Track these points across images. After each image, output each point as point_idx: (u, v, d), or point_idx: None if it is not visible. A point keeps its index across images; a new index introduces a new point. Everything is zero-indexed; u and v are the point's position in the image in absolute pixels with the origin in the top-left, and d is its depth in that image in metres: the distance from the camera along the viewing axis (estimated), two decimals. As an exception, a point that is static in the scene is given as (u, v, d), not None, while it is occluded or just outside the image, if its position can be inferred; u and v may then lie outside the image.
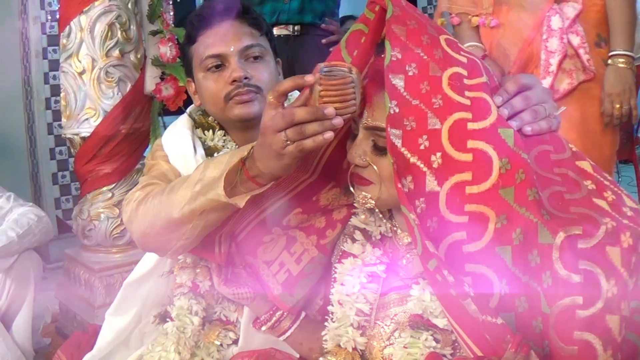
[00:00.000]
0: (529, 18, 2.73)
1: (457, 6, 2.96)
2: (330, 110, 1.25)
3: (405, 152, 1.25)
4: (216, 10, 1.87)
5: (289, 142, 1.29)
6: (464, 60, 1.31)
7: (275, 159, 1.34)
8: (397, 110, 1.25)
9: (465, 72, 1.28)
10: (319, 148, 1.53)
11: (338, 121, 1.27)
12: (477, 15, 2.91)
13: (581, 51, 2.66)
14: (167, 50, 3.35)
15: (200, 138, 1.93)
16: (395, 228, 1.55)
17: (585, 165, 1.33)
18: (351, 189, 1.47)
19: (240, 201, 1.43)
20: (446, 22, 2.98)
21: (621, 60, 2.66)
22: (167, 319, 1.84)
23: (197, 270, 1.81)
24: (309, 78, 1.29)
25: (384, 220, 1.56)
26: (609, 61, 2.67)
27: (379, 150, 1.38)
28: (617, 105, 2.65)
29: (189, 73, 1.97)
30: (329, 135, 1.27)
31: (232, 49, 1.82)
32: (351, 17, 4.70)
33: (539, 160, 1.30)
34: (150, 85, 3.35)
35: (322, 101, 1.27)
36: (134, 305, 1.98)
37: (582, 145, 2.58)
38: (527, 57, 2.77)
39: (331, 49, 3.44)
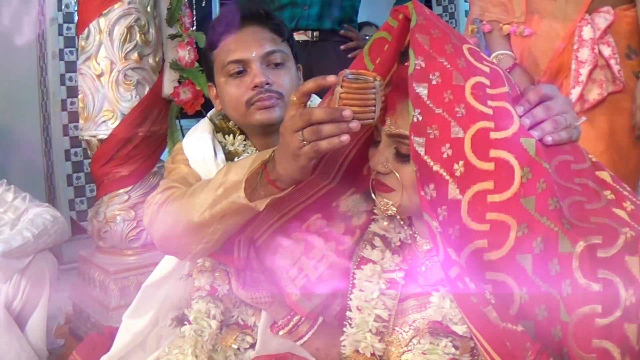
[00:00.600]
0: (561, 28, 2.71)
1: (489, 14, 2.95)
2: (347, 112, 1.24)
3: (428, 160, 1.25)
4: (238, 15, 1.88)
5: (305, 143, 1.28)
6: (487, 69, 1.32)
7: (292, 160, 1.34)
8: (420, 119, 1.26)
9: (487, 82, 1.29)
10: (337, 151, 1.54)
11: (355, 125, 1.25)
12: (508, 24, 2.89)
13: (612, 62, 2.63)
14: (185, 54, 3.37)
15: (220, 142, 1.94)
16: (415, 235, 1.56)
17: (605, 175, 1.34)
18: (373, 195, 1.48)
19: (260, 205, 1.44)
20: (477, 29, 2.97)
21: None
22: (185, 322, 1.84)
23: (215, 274, 1.81)
24: (331, 78, 1.29)
25: (405, 227, 1.57)
26: None
27: (402, 157, 1.39)
28: None
29: (210, 77, 1.99)
30: (345, 138, 1.26)
31: (254, 55, 1.83)
32: (368, 24, 4.71)
33: (560, 170, 1.31)
34: (168, 88, 3.37)
35: (342, 103, 1.26)
36: (151, 307, 1.98)
37: (609, 156, 2.57)
38: (558, 66, 2.74)
39: (350, 55, 3.47)
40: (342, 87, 1.27)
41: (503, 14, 2.89)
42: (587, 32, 2.64)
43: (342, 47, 3.60)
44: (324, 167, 1.57)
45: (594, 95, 2.65)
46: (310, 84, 1.32)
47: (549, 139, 1.32)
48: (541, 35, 2.79)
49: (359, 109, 1.27)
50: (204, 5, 3.94)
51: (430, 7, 7.04)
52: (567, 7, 2.71)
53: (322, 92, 1.40)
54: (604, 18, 2.66)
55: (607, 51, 2.64)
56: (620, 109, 2.66)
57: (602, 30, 2.64)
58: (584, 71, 2.64)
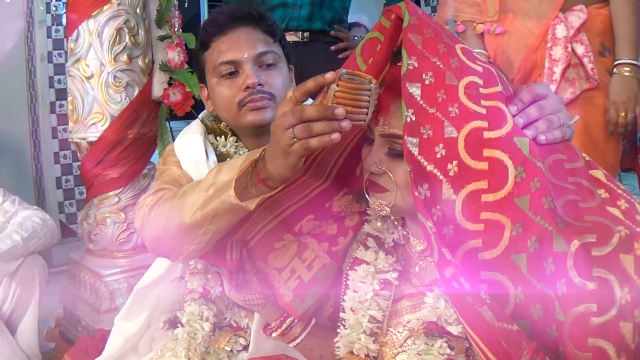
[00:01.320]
0: (534, 26, 2.76)
1: (463, 14, 2.98)
2: (340, 110, 1.23)
3: (422, 160, 1.25)
4: (230, 16, 1.87)
5: (295, 140, 1.27)
6: (480, 69, 1.31)
7: (282, 158, 1.32)
8: (414, 119, 1.26)
9: (481, 81, 1.29)
10: (330, 151, 1.53)
11: (346, 124, 1.24)
12: (482, 23, 2.92)
13: (585, 60, 2.68)
14: (175, 56, 3.36)
15: (212, 144, 1.94)
16: (408, 235, 1.56)
17: (599, 174, 1.34)
18: (366, 196, 1.47)
19: (251, 204, 1.43)
20: (451, 29, 2.99)
21: (627, 69, 2.67)
22: (178, 325, 1.84)
23: (208, 276, 1.81)
24: (329, 75, 1.27)
25: (398, 228, 1.56)
26: (615, 70, 2.69)
27: (395, 157, 1.38)
28: (622, 114, 2.66)
29: (202, 79, 1.98)
30: (336, 136, 1.24)
31: (245, 56, 1.83)
32: (356, 24, 4.71)
33: (554, 169, 1.30)
34: (158, 90, 3.36)
35: (336, 101, 1.25)
36: (144, 310, 1.98)
37: (585, 153, 2.62)
38: (531, 65, 2.79)
39: (340, 56, 3.46)
40: (337, 85, 1.26)
41: (477, 14, 2.93)
42: (560, 31, 2.69)
43: (332, 47, 3.60)
44: (317, 168, 1.56)
45: (567, 94, 2.70)
46: (311, 83, 1.30)
47: (542, 138, 1.32)
48: (515, 33, 2.83)
49: (351, 109, 1.25)
50: (186, 6, 3.91)
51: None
52: (540, 5, 2.76)
53: (314, 94, 1.39)
54: (577, 16, 2.70)
55: (580, 49, 2.69)
56: (594, 105, 2.72)
57: (576, 28, 2.69)
58: (558, 69, 2.69)
